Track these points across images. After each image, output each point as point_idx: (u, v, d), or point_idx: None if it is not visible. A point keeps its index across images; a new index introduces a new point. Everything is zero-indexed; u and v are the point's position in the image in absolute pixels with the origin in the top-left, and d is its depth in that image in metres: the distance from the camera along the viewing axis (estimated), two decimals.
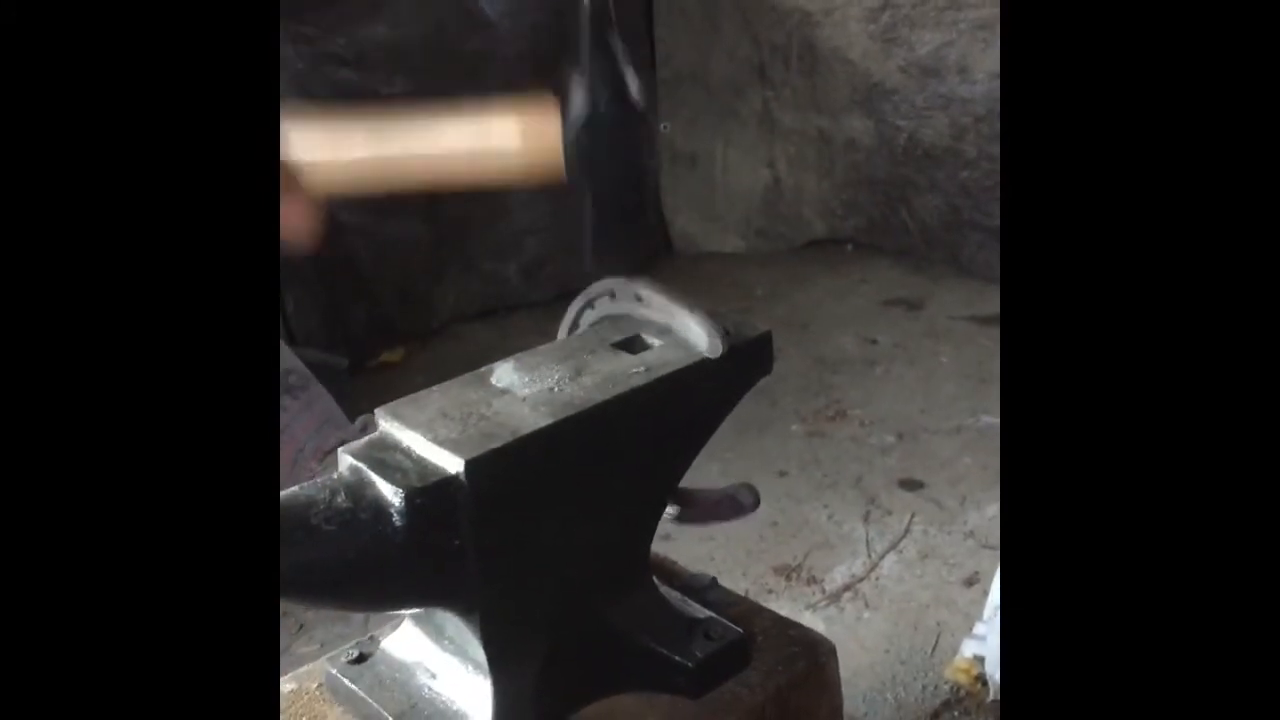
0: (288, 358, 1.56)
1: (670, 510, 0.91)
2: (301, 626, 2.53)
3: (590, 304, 0.91)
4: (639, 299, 0.89)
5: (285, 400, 1.37)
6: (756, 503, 0.93)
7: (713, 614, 0.90)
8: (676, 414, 0.84)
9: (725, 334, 0.85)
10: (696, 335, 0.85)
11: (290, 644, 2.42)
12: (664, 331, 0.87)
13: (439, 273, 3.65)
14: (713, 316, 0.86)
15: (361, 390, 3.15)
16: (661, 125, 4.04)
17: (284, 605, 1.60)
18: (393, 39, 3.40)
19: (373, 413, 1.28)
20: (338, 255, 3.43)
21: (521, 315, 3.73)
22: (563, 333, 0.93)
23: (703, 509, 0.92)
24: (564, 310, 0.95)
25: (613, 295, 0.90)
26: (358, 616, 2.54)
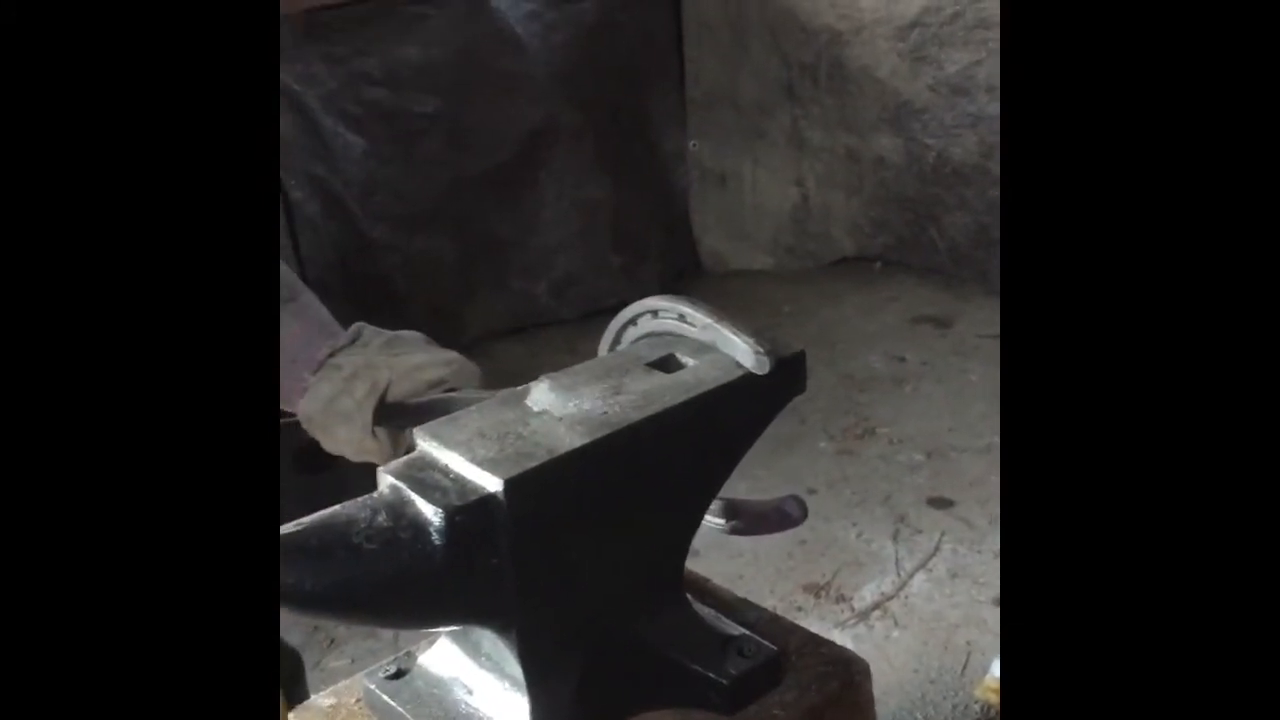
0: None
1: (720, 523, 0.92)
2: (333, 641, 2.55)
3: (633, 321, 0.92)
4: (682, 317, 0.89)
5: None
6: (804, 515, 0.93)
7: (746, 631, 0.91)
8: (711, 432, 0.85)
9: (770, 351, 0.85)
10: (742, 353, 0.85)
11: (321, 659, 2.44)
12: (701, 350, 0.88)
13: (469, 290, 3.67)
14: (763, 334, 0.86)
15: None
16: (690, 144, 4.06)
17: (317, 621, 1.61)
18: (424, 58, 3.43)
19: (363, 323, 1.24)
20: (369, 272, 3.46)
21: (551, 332, 3.76)
22: (604, 349, 0.94)
23: (751, 521, 0.92)
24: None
25: (655, 314, 0.91)
26: (387, 632, 2.55)
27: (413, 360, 1.16)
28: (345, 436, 1.15)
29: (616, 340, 0.93)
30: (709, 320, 0.87)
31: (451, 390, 1.16)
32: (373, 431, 1.15)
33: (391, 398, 1.15)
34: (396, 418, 1.15)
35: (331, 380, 1.15)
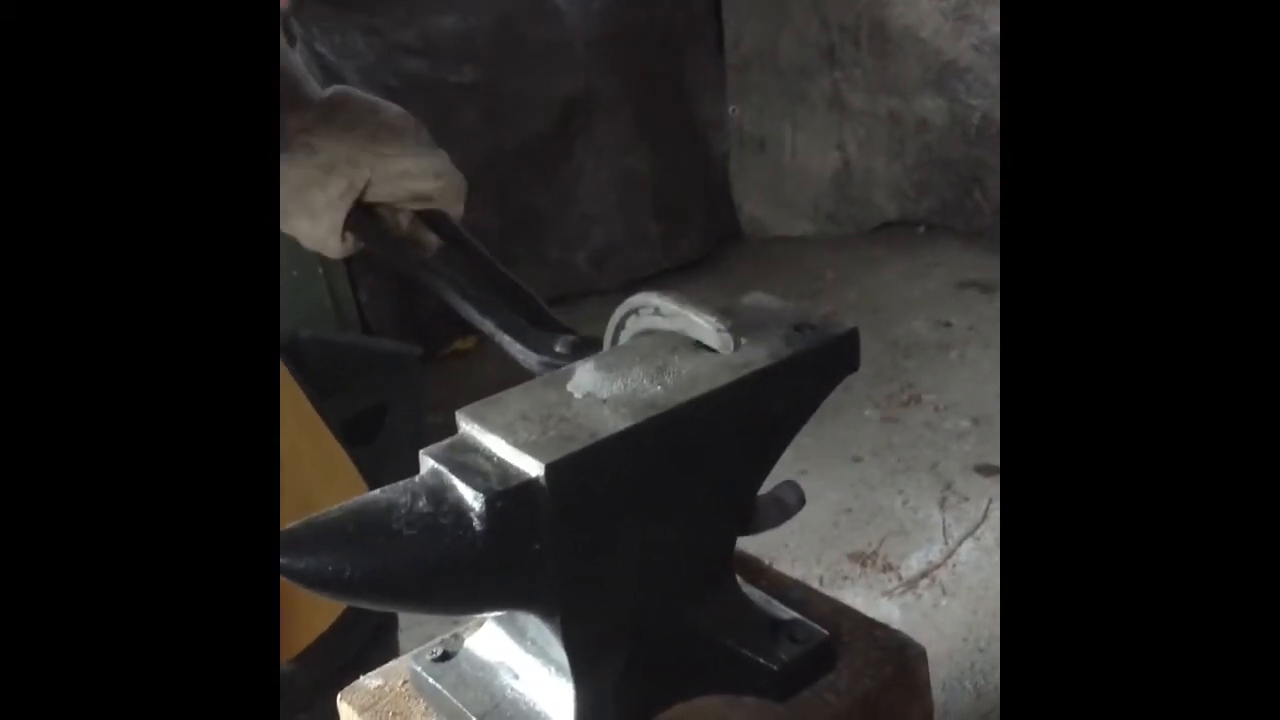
0: None
1: None
2: None
3: (621, 325, 0.88)
4: (656, 310, 0.85)
5: None
6: (801, 501, 0.89)
7: (797, 615, 0.89)
8: (760, 413, 0.83)
9: (736, 330, 0.82)
10: (706, 334, 0.82)
11: None
12: (692, 342, 0.85)
13: (508, 262, 3.63)
14: (728, 314, 0.83)
15: (434, 378, 3.17)
16: (730, 109, 4.01)
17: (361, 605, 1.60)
18: (461, 28, 3.41)
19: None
20: None
21: (591, 303, 3.73)
22: (607, 346, 0.91)
23: (753, 519, 0.89)
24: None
25: (638, 312, 0.87)
26: None
27: (399, 165, 1.05)
28: (308, 232, 1.05)
29: (614, 342, 0.90)
30: (675, 308, 0.84)
31: (435, 209, 1.07)
32: (342, 235, 1.05)
33: (369, 199, 1.04)
34: (369, 234, 1.06)
35: (302, 166, 1.03)
